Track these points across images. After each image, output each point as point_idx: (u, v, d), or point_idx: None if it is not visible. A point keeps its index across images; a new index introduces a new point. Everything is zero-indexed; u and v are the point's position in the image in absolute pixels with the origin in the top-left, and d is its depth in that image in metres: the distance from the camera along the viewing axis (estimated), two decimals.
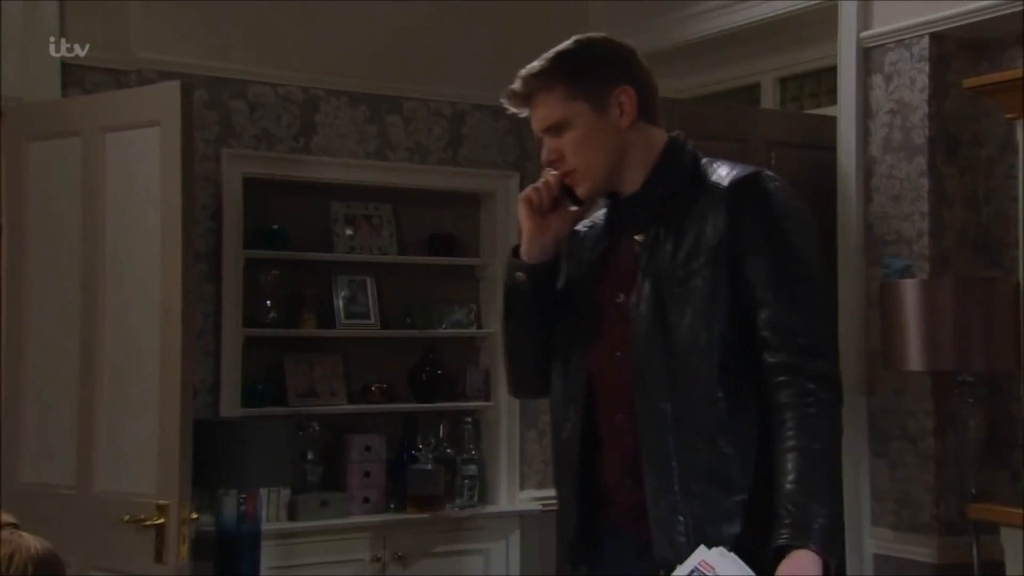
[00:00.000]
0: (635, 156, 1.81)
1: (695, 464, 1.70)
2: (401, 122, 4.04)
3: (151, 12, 3.59)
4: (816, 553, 1.59)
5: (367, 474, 3.89)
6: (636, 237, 1.82)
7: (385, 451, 3.94)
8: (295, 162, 3.86)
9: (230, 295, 3.72)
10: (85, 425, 3.06)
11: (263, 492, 3.63)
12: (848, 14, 3.30)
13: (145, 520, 2.85)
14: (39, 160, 3.23)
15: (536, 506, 4.04)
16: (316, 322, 3.91)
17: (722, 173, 1.78)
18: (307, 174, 3.88)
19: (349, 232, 4.03)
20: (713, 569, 1.59)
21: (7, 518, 1.67)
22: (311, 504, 3.77)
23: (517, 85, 1.84)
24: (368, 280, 4.05)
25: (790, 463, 1.64)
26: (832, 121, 3.38)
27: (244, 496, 3.50)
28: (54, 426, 3.16)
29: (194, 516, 2.92)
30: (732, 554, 1.60)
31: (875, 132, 3.29)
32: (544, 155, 1.84)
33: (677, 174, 1.81)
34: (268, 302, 3.85)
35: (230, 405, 3.70)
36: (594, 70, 1.81)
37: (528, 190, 1.86)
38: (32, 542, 1.64)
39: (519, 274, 1.88)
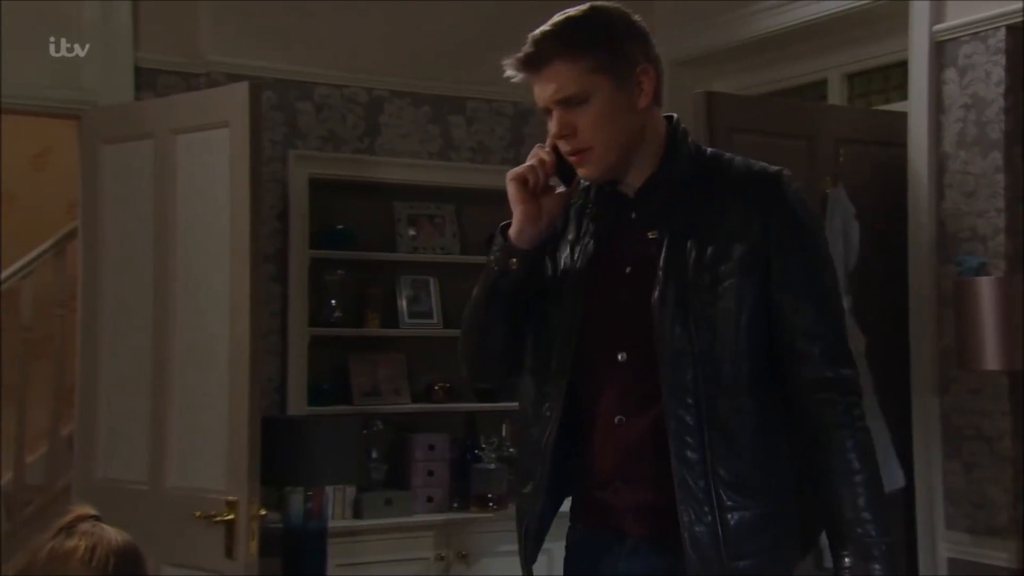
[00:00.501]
0: (646, 142, 1.71)
1: (725, 475, 1.64)
2: (463, 122, 4.05)
3: (221, 16, 3.64)
4: None
5: (431, 473, 3.90)
6: (650, 235, 1.70)
7: (448, 450, 3.95)
8: (359, 163, 3.89)
9: (296, 295, 3.76)
10: (157, 422, 3.11)
11: (329, 490, 3.66)
12: (920, 8, 3.24)
13: (215, 516, 2.89)
14: (113, 162, 3.30)
15: None
16: (380, 321, 3.93)
17: (740, 167, 1.71)
18: (371, 174, 3.91)
19: (412, 232, 4.05)
20: None
21: (88, 510, 1.70)
22: (376, 502, 3.79)
23: (531, 48, 1.67)
24: (431, 280, 4.06)
25: (859, 487, 1.61)
26: (902, 117, 3.31)
27: (310, 494, 3.53)
28: (127, 423, 3.21)
29: (262, 512, 2.96)
30: None
31: (948, 127, 3.22)
32: (554, 128, 1.68)
33: (684, 164, 1.72)
34: (333, 302, 3.88)
35: (296, 404, 3.74)
36: (620, 43, 1.68)
37: (522, 169, 1.70)
38: (113, 534, 1.67)
39: (512, 260, 1.71)
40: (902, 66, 3.45)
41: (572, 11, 1.70)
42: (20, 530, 4.02)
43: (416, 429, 3.97)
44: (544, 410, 1.76)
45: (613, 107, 1.67)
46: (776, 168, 1.71)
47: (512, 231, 1.71)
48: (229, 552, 2.88)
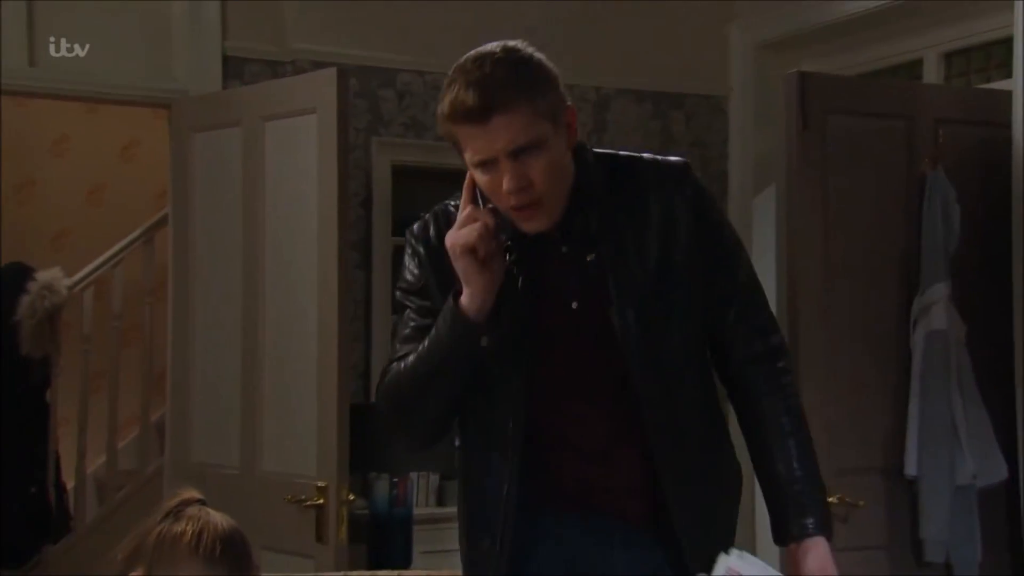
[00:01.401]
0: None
1: (706, 474, 1.70)
2: None
3: (306, 4, 3.65)
4: (828, 539, 1.67)
5: None
6: (588, 258, 1.63)
7: None
8: (441, 150, 3.84)
9: (379, 282, 3.77)
10: (248, 407, 3.15)
11: (413, 477, 3.67)
12: None
13: (306, 501, 2.90)
14: (202, 150, 3.34)
15: None
16: None
17: (648, 164, 1.70)
18: (452, 162, 3.87)
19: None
20: (739, 572, 1.59)
21: (194, 494, 1.71)
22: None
23: (479, 97, 1.52)
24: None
25: (792, 450, 1.68)
26: (1006, 95, 3.18)
27: (396, 481, 3.54)
28: (219, 409, 3.25)
29: (351, 498, 2.97)
30: (747, 553, 1.61)
31: None
32: (510, 182, 1.53)
33: (596, 177, 1.65)
34: None
35: None
36: (555, 85, 1.59)
37: (471, 238, 1.53)
38: (219, 519, 1.67)
39: (484, 338, 1.58)
40: (1005, 43, 3.32)
41: (502, 54, 1.56)
42: (112, 514, 4.10)
43: None
44: (495, 461, 1.66)
45: (559, 152, 1.59)
46: (681, 159, 1.73)
47: (471, 307, 1.55)
48: (319, 536, 2.90)
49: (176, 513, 1.65)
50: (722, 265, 1.71)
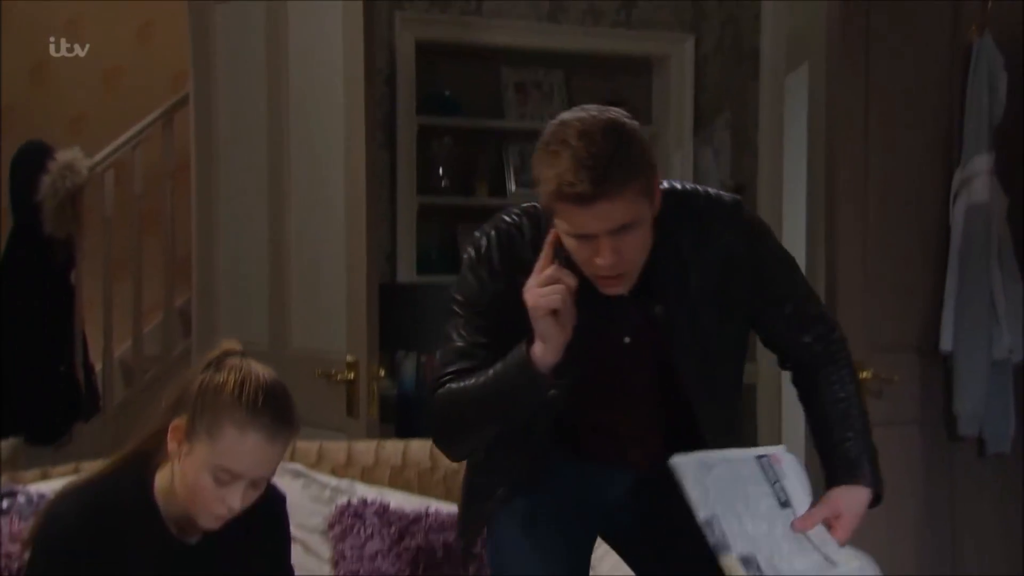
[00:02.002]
0: None
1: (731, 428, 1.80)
2: None
3: None
4: (875, 498, 1.72)
5: None
6: (656, 310, 1.69)
7: None
8: (466, 25, 3.77)
9: (404, 162, 3.71)
10: (276, 287, 3.13)
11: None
12: None
13: (336, 375, 2.90)
14: (224, 23, 3.24)
15: None
16: (488, 190, 3.87)
17: (704, 199, 1.73)
18: (478, 38, 3.79)
19: (519, 99, 3.94)
20: (780, 464, 1.65)
21: (235, 345, 1.69)
22: None
23: (584, 184, 1.50)
24: None
25: (849, 419, 1.75)
26: None
27: (423, 360, 3.54)
28: (247, 289, 3.24)
29: (382, 373, 2.96)
30: (793, 456, 1.67)
31: None
32: (606, 258, 1.56)
33: (669, 238, 1.68)
34: (440, 170, 3.82)
35: (405, 272, 3.72)
36: (650, 161, 1.59)
37: (555, 302, 1.56)
38: (260, 370, 1.66)
39: (553, 392, 1.63)
40: None
41: (608, 128, 1.54)
42: (139, 396, 4.13)
43: None
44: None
45: (649, 224, 1.61)
46: (734, 196, 1.76)
47: (544, 362, 1.59)
48: (350, 411, 2.90)
49: (218, 364, 1.64)
50: (778, 279, 1.77)
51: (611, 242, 1.55)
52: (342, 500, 2.39)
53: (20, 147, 3.95)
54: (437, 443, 1.77)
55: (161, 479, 1.66)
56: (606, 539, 1.91)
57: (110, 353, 4.12)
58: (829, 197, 2.88)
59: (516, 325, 1.60)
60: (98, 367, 4.11)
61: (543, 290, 1.57)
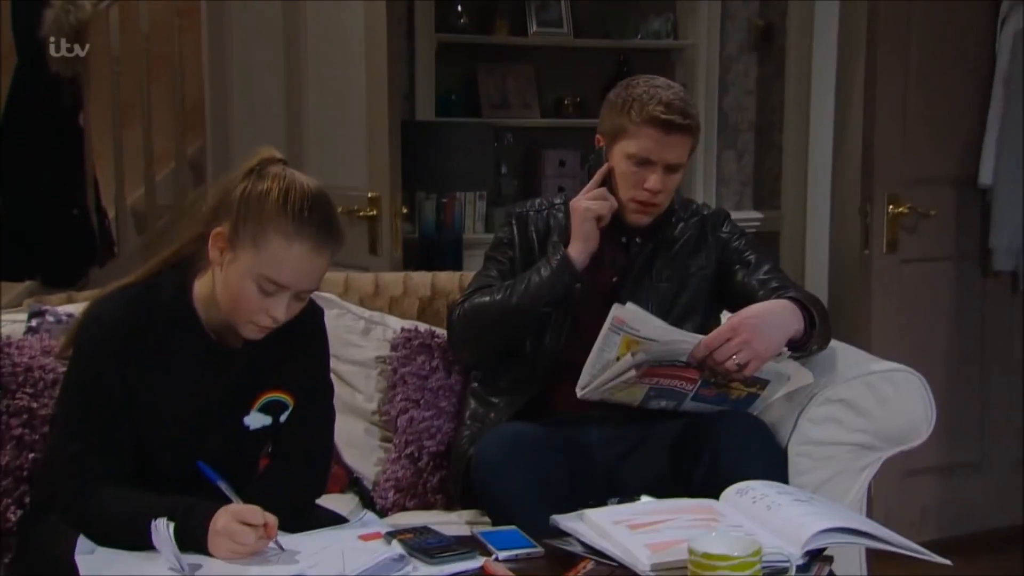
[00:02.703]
0: None
1: None
2: None
3: None
4: (794, 302, 1.85)
5: (561, 189, 3.80)
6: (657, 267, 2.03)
7: (579, 167, 3.83)
8: None
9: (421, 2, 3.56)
10: (293, 130, 3.06)
11: (460, 199, 3.61)
12: None
13: (359, 211, 2.84)
14: None
15: None
16: (508, 29, 3.74)
17: (700, 206, 2.11)
18: None
19: None
20: (625, 324, 1.78)
21: (274, 153, 1.62)
22: None
23: (681, 116, 1.90)
24: None
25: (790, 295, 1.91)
26: None
27: (444, 201, 3.48)
28: (262, 135, 3.13)
29: (404, 210, 2.90)
30: (640, 308, 1.80)
31: None
32: (655, 184, 1.93)
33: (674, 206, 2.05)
34: (459, 7, 3.68)
35: (424, 113, 3.62)
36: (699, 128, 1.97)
37: (603, 209, 1.94)
38: (303, 179, 1.59)
39: (578, 285, 1.96)
40: None
41: (680, 89, 1.96)
42: (153, 243, 4.07)
43: (546, 145, 3.85)
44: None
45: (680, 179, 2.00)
46: (721, 208, 2.27)
47: (579, 259, 1.94)
48: (373, 249, 2.85)
49: (259, 172, 1.57)
50: (747, 257, 2.04)
51: (663, 174, 1.93)
52: (399, 327, 2.30)
53: None
54: (456, 348, 2.09)
55: (201, 286, 1.61)
56: (592, 480, 1.94)
57: (123, 199, 4.05)
58: (871, 31, 2.77)
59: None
60: (111, 213, 4.04)
61: (593, 201, 1.94)
